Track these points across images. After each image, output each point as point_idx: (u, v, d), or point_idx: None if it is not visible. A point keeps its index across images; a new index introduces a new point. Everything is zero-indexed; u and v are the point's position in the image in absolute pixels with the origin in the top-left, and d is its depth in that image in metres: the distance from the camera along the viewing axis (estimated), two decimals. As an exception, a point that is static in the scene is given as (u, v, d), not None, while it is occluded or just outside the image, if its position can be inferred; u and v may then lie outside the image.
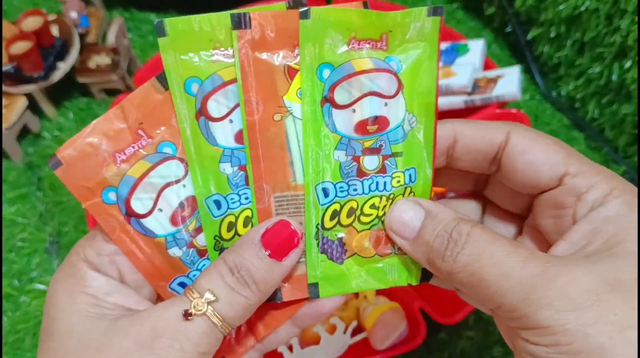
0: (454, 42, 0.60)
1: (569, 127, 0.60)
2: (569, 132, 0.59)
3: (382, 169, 0.26)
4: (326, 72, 0.25)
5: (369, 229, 0.27)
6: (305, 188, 0.26)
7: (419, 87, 0.26)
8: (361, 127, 0.26)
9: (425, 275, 0.27)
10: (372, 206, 0.27)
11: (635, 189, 0.24)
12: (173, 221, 0.26)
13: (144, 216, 0.25)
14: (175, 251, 0.26)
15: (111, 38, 0.63)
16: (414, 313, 0.44)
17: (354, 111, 0.26)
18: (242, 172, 0.26)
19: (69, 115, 0.64)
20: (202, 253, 0.26)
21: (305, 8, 0.24)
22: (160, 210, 0.25)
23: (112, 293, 0.24)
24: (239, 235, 0.26)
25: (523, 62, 0.64)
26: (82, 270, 0.25)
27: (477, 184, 0.30)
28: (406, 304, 0.45)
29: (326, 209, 0.26)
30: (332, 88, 0.25)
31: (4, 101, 0.59)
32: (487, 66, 0.59)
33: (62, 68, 0.60)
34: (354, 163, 0.26)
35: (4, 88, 0.59)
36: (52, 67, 0.59)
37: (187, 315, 0.23)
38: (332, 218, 0.26)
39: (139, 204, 0.25)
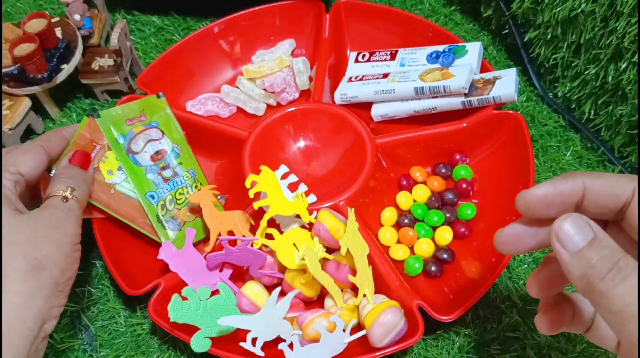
0: (452, 44, 0.60)
1: (565, 128, 0.60)
2: (565, 133, 0.60)
3: (175, 174, 0.52)
4: (120, 139, 0.50)
5: (183, 204, 0.52)
6: (141, 199, 0.50)
7: (172, 131, 0.54)
8: (152, 159, 0.51)
9: None
10: (180, 194, 0.51)
11: None
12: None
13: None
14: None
15: (114, 40, 0.64)
16: (412, 311, 0.45)
17: (145, 152, 0.51)
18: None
19: (73, 116, 0.65)
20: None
21: (96, 112, 0.50)
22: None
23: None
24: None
25: (520, 63, 0.65)
26: None
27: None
28: (405, 302, 0.46)
29: (157, 205, 0.50)
30: (129, 145, 0.51)
31: (9, 102, 0.60)
32: (483, 68, 0.59)
33: (66, 69, 0.61)
34: (160, 176, 0.51)
35: (9, 89, 0.60)
36: (56, 68, 0.60)
37: (65, 198, 0.43)
38: (162, 208, 0.50)
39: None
